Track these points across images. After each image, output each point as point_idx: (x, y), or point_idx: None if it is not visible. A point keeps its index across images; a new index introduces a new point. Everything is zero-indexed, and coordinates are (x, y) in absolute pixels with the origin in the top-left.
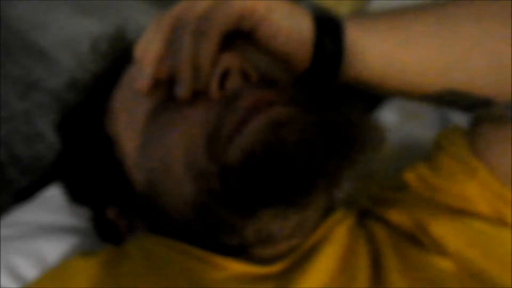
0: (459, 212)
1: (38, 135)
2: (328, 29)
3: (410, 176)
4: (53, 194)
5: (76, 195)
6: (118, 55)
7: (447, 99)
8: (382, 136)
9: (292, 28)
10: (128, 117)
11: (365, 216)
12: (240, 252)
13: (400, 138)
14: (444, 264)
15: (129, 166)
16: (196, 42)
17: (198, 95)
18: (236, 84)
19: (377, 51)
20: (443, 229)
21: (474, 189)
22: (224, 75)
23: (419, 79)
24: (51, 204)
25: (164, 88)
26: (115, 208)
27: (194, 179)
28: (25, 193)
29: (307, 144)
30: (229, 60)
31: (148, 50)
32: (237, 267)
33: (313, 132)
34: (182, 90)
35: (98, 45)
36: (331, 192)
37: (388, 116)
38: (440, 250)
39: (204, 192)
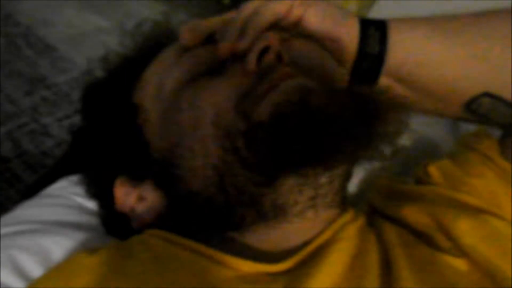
0: (481, 210)
1: (44, 131)
2: (373, 30)
3: (434, 170)
4: (59, 190)
5: (88, 165)
6: (158, 38)
7: (484, 108)
8: (407, 113)
9: (332, 28)
10: (157, 85)
11: (375, 215)
12: (248, 248)
13: (406, 134)
14: (458, 264)
15: (151, 133)
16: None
17: (233, 67)
18: (271, 60)
19: (418, 50)
20: (461, 224)
21: (502, 188)
22: (263, 52)
23: (461, 78)
24: (57, 200)
25: (197, 63)
26: (125, 178)
27: (220, 138)
28: (32, 189)
29: (331, 109)
30: (271, 39)
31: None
32: (246, 266)
33: (341, 97)
34: (224, 44)
35: (142, 26)
36: (348, 164)
37: None
38: (455, 247)
39: (229, 152)
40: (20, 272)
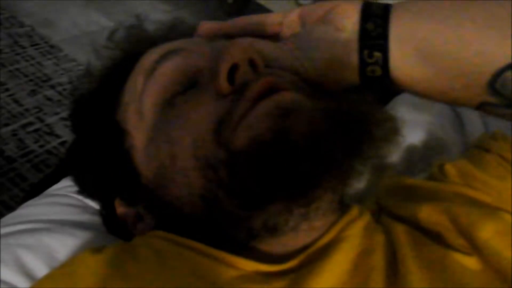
0: (496, 208)
1: (49, 130)
2: (373, 15)
3: (450, 169)
4: (64, 189)
5: (85, 186)
6: (133, 45)
7: (508, 88)
8: (395, 128)
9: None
10: (137, 106)
11: (382, 213)
12: (251, 249)
13: (411, 131)
14: (470, 263)
15: (138, 157)
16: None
17: (208, 90)
18: (245, 75)
19: (420, 35)
20: (475, 219)
21: None
22: (233, 69)
23: (476, 59)
24: (62, 199)
25: (176, 82)
26: (121, 200)
27: (202, 169)
28: (36, 189)
29: (314, 136)
30: (236, 54)
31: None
32: (248, 265)
33: (321, 122)
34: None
35: (115, 34)
36: (340, 187)
37: (399, 109)
38: (468, 244)
39: (212, 182)
40: (24, 270)
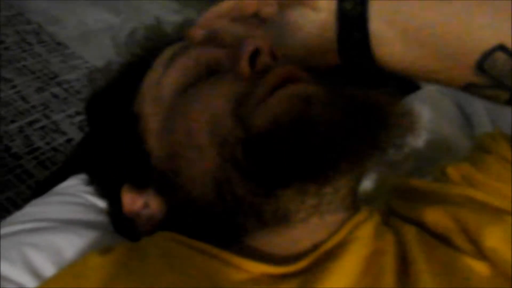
0: (502, 211)
1: (55, 127)
2: None
3: (452, 172)
4: (71, 188)
5: (94, 172)
6: (152, 44)
7: (496, 68)
8: (413, 122)
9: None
10: (155, 93)
11: (391, 215)
12: (260, 250)
13: (429, 135)
14: (478, 267)
15: (151, 142)
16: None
17: (228, 71)
18: (266, 61)
19: (403, 14)
20: (483, 226)
21: None
22: (255, 54)
23: (465, 37)
24: (69, 198)
25: (196, 70)
26: (130, 185)
27: (218, 147)
28: (42, 186)
29: (331, 121)
30: (258, 41)
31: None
32: (256, 267)
33: (339, 109)
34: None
35: (135, 34)
36: (354, 174)
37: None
38: (476, 250)
39: (227, 161)
40: (31, 269)
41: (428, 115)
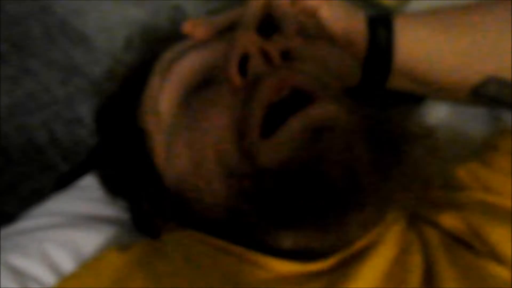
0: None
1: (78, 120)
2: (380, 22)
3: (463, 174)
4: (92, 183)
5: (112, 187)
6: (151, 47)
7: (492, 92)
8: (435, 144)
9: (344, 20)
10: (154, 107)
11: (416, 219)
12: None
13: (445, 133)
14: (500, 271)
15: (159, 160)
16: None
17: (223, 86)
18: (257, 67)
19: (420, 40)
20: (498, 235)
21: None
22: (245, 59)
23: (462, 67)
24: (89, 194)
25: (191, 80)
26: (148, 203)
27: (226, 177)
28: (65, 180)
29: (350, 163)
30: (245, 43)
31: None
32: (281, 266)
33: (359, 144)
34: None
35: (132, 40)
36: (376, 211)
37: (434, 110)
38: (495, 256)
39: (236, 192)
40: (51, 265)
41: (446, 110)
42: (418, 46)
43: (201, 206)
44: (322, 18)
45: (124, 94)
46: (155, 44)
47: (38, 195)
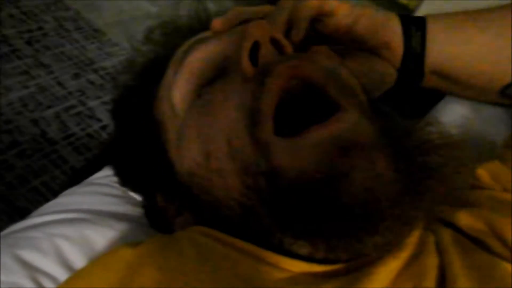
0: None
1: (91, 114)
2: (413, 24)
3: (482, 173)
4: (105, 179)
5: (127, 180)
6: (170, 40)
7: None
8: (462, 159)
9: (382, 34)
10: (169, 99)
11: (432, 219)
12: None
13: (465, 133)
14: None
15: (172, 154)
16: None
17: (235, 76)
18: (268, 56)
19: (452, 42)
20: None
21: None
22: (256, 48)
23: (492, 69)
24: (103, 189)
25: (204, 71)
26: (162, 194)
27: (240, 173)
28: (79, 175)
29: (375, 180)
30: (256, 32)
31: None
32: (295, 266)
33: (386, 166)
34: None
35: (151, 32)
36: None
37: (452, 110)
38: (511, 254)
39: (251, 189)
40: (63, 261)
41: (465, 110)
42: (450, 48)
43: (214, 200)
44: (359, 30)
45: (140, 86)
46: (174, 37)
47: (50, 189)
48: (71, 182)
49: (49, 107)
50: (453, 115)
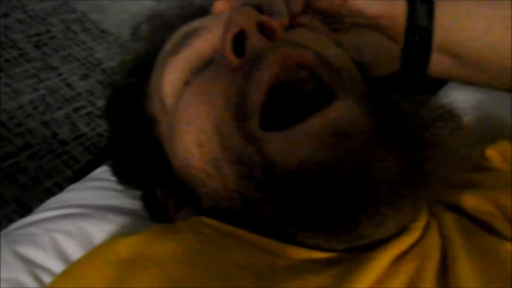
0: None
1: (100, 114)
2: (420, 3)
3: (491, 154)
4: (103, 174)
5: (124, 177)
6: (158, 35)
7: None
8: (458, 124)
9: (385, 5)
10: (159, 92)
11: (435, 203)
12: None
13: (474, 115)
14: None
15: (167, 147)
16: None
17: (222, 66)
18: (256, 44)
19: (462, 19)
20: None
21: None
22: (241, 37)
23: (504, 42)
24: (101, 184)
25: (193, 65)
26: (161, 188)
27: (234, 161)
28: (81, 173)
29: (372, 165)
30: (240, 19)
31: None
32: (297, 253)
33: (385, 146)
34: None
35: (138, 29)
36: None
37: (459, 91)
38: None
39: (246, 179)
40: (62, 256)
41: (474, 93)
42: (459, 22)
43: (212, 193)
44: (358, 6)
45: (130, 84)
46: (161, 32)
47: (62, 189)
48: (74, 181)
49: (59, 108)
50: (461, 95)
